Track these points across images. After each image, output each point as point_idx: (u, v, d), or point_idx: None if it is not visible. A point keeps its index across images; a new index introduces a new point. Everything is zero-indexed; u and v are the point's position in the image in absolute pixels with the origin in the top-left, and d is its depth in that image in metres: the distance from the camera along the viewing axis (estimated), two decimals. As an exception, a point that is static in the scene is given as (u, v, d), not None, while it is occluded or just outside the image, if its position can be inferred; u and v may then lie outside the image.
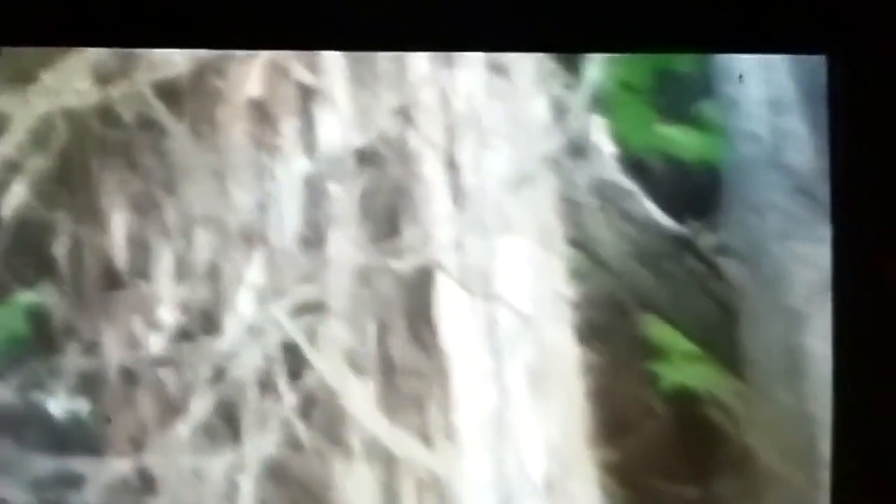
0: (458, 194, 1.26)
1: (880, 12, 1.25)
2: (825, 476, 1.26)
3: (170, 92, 1.23)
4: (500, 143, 1.27)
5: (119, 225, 1.21)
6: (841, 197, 1.26)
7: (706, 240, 1.27)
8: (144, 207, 1.22)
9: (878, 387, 1.25)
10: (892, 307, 1.24)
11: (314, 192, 1.24)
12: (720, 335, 1.27)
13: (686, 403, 1.26)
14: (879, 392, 1.25)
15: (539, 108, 1.27)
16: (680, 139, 1.28)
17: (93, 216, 1.21)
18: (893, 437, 1.24)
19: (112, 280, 1.21)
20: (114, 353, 1.20)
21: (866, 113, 1.25)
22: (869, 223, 1.25)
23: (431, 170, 1.26)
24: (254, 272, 1.23)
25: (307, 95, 1.24)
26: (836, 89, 1.26)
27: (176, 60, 1.23)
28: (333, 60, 1.25)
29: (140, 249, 1.22)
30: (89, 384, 1.20)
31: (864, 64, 1.25)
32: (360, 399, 1.22)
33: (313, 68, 1.25)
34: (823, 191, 1.27)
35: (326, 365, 1.22)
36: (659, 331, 1.26)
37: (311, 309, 1.23)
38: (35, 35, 1.18)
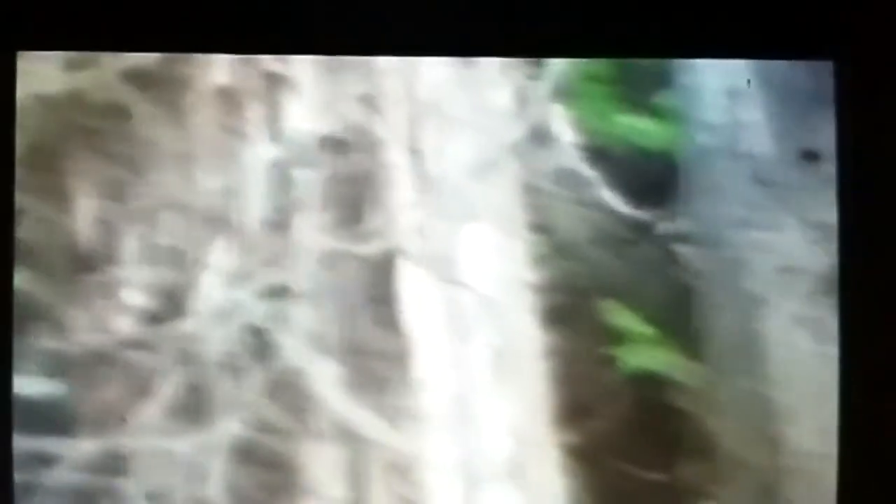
0: (422, 181, 1.28)
1: (886, 18, 1.27)
2: (788, 460, 1.29)
3: (138, 78, 1.24)
4: (464, 132, 1.29)
5: (87, 209, 1.22)
6: (848, 201, 1.29)
7: (665, 227, 1.30)
8: (112, 192, 1.23)
9: (884, 388, 1.28)
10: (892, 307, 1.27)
11: (280, 177, 1.26)
12: (680, 320, 1.30)
13: (647, 387, 1.29)
14: (886, 393, 1.27)
15: (502, 98, 1.29)
16: (640, 128, 1.30)
17: (61, 200, 1.22)
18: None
19: (80, 263, 1.22)
20: (83, 335, 1.21)
21: (873, 118, 1.28)
22: (876, 227, 1.28)
23: (396, 157, 1.28)
24: (220, 256, 1.24)
25: (274, 83, 1.26)
26: (842, 94, 1.29)
27: (144, 47, 1.24)
28: (300, 49, 1.27)
29: (107, 233, 1.23)
30: (59, 366, 1.21)
31: (871, 69, 1.28)
32: (326, 381, 1.24)
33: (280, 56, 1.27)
34: (780, 178, 1.30)
35: (293, 347, 1.24)
36: (619, 316, 1.29)
37: (277, 292, 1.25)
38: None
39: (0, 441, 1.18)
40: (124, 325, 1.22)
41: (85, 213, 1.23)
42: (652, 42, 1.28)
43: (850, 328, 1.29)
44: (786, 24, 1.28)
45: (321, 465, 1.24)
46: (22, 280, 1.21)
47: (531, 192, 1.29)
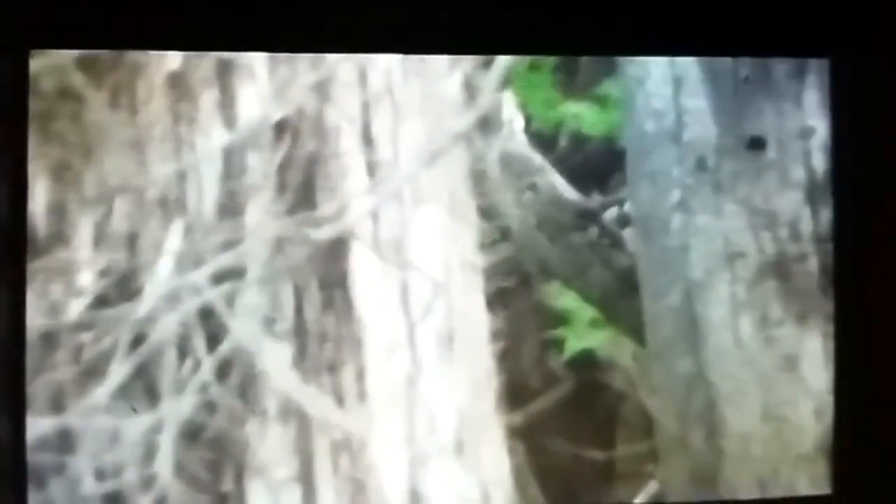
0: (373, 167, 1.30)
1: (882, 16, 1.30)
2: (726, 443, 1.32)
3: (90, 64, 1.26)
4: (414, 119, 1.31)
5: (39, 192, 1.24)
6: (844, 196, 1.32)
7: (610, 212, 1.33)
8: (64, 176, 1.25)
9: (878, 380, 1.30)
10: (892, 307, 1.30)
11: (233, 162, 1.28)
12: (623, 304, 1.33)
13: (589, 369, 1.32)
14: (879, 385, 1.30)
15: (452, 86, 1.32)
16: (586, 116, 1.33)
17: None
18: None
19: (32, 246, 1.24)
20: (34, 317, 1.23)
21: (869, 114, 1.31)
22: (872, 222, 1.31)
23: (348, 143, 1.30)
24: (173, 240, 1.26)
25: (226, 69, 1.28)
26: (839, 91, 1.32)
27: (97, 33, 1.26)
28: (252, 36, 1.28)
29: (60, 217, 1.25)
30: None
31: (867, 67, 1.31)
32: (275, 362, 1.26)
33: (232, 43, 1.29)
34: (721, 165, 1.33)
35: (243, 330, 1.26)
36: (563, 299, 1.32)
37: (229, 276, 1.27)
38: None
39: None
40: (75, 308, 1.24)
41: (37, 197, 1.24)
42: (646, 40, 1.30)
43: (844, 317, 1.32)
44: (782, 22, 1.31)
45: (269, 445, 1.26)
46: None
47: (480, 178, 1.31)
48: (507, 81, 1.32)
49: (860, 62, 1.31)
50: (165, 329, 1.25)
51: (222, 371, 1.26)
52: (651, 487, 1.32)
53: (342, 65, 1.30)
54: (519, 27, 1.28)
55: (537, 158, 1.32)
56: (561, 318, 1.31)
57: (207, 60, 1.28)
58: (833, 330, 1.32)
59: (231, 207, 1.27)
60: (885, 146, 1.31)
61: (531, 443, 1.30)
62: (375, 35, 1.27)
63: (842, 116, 1.32)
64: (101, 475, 1.24)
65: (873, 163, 1.31)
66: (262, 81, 1.29)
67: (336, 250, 1.29)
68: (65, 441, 1.24)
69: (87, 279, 1.25)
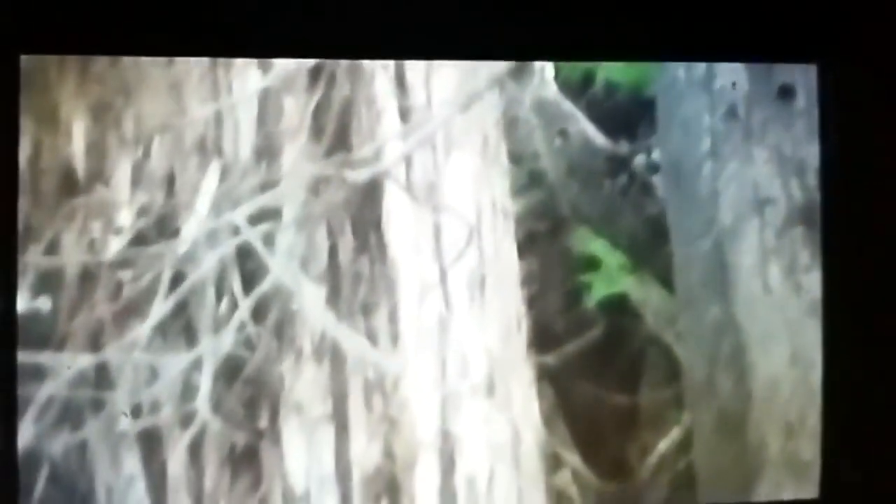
0: (407, 112, 1.32)
1: (869, 21, 1.31)
2: (754, 385, 1.34)
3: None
4: (448, 65, 1.33)
5: (79, 132, 1.26)
6: (832, 199, 1.34)
7: (639, 159, 1.34)
8: (103, 116, 1.27)
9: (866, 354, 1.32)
10: (881, 309, 1.31)
11: (269, 106, 1.30)
12: (651, 250, 1.34)
13: (618, 314, 1.33)
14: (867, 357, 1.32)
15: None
16: (616, 63, 1.34)
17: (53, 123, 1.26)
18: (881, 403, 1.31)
19: (72, 185, 1.26)
20: (73, 254, 1.25)
21: (856, 118, 1.32)
22: (861, 223, 1.32)
23: (381, 88, 1.31)
24: (210, 181, 1.28)
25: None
26: (826, 96, 1.33)
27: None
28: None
29: (99, 156, 1.27)
30: (50, 283, 1.25)
31: (854, 71, 1.32)
32: (310, 303, 1.28)
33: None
34: (751, 113, 1.34)
35: (280, 269, 1.28)
36: (593, 244, 1.33)
37: (266, 217, 1.29)
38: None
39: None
40: (115, 246, 1.26)
41: (77, 136, 1.26)
42: (640, 45, 1.31)
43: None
44: (770, 27, 1.32)
45: (304, 384, 1.28)
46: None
47: (511, 123, 1.33)
48: (539, 30, 1.33)
49: (847, 68, 1.32)
50: (203, 268, 1.27)
51: (259, 310, 1.27)
52: (678, 432, 1.33)
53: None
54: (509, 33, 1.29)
55: (568, 105, 1.33)
56: (590, 264, 1.33)
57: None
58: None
59: (267, 150, 1.29)
60: (874, 154, 1.32)
61: (560, 385, 1.32)
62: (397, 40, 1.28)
63: (830, 122, 1.33)
64: (137, 412, 1.25)
65: (862, 165, 1.32)
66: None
67: (370, 193, 1.30)
68: (103, 377, 1.25)
69: (126, 218, 1.26)
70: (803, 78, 1.35)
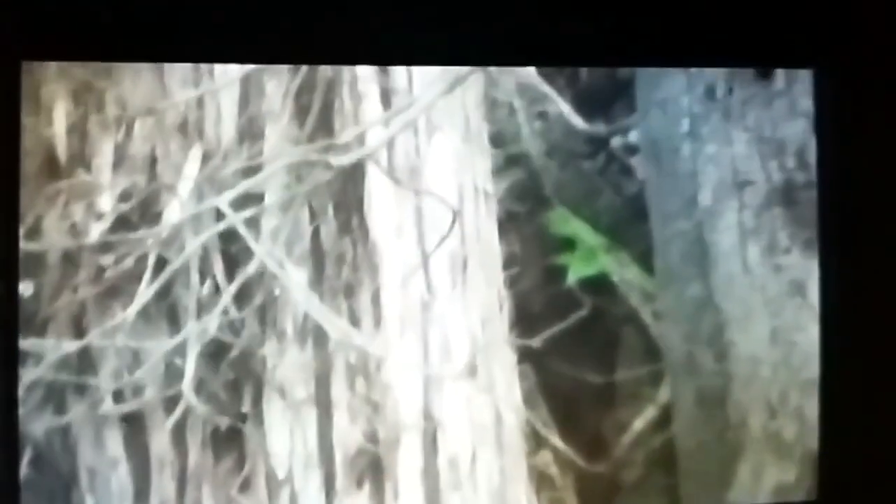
0: (389, 94, 1.32)
1: (865, 27, 1.32)
2: (735, 366, 1.34)
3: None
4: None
5: (60, 115, 1.26)
6: (828, 205, 1.34)
7: (618, 139, 1.35)
8: (85, 99, 1.27)
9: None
10: (881, 309, 1.32)
11: (251, 89, 1.30)
12: (631, 230, 1.35)
13: (600, 294, 1.34)
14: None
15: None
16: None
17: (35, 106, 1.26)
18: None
19: (53, 168, 1.26)
20: (55, 238, 1.25)
21: (852, 123, 1.33)
22: (856, 226, 1.33)
23: (364, 70, 1.32)
24: (192, 165, 1.28)
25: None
26: (822, 101, 1.34)
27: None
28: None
29: (80, 140, 1.26)
30: (31, 268, 1.25)
31: (850, 76, 1.33)
32: (294, 285, 1.29)
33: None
34: (728, 94, 1.35)
35: (264, 252, 1.28)
36: (573, 225, 1.34)
37: (249, 200, 1.29)
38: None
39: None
40: (96, 230, 1.26)
41: (60, 121, 1.26)
42: (632, 50, 1.32)
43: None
44: (766, 33, 1.32)
45: (286, 367, 1.29)
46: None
47: (492, 106, 1.33)
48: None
49: (843, 73, 1.33)
50: (184, 252, 1.27)
51: (242, 293, 1.28)
52: (658, 411, 1.34)
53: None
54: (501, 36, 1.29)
55: (547, 88, 1.34)
56: (569, 244, 1.34)
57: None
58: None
59: (249, 132, 1.29)
60: (870, 156, 1.33)
61: (542, 367, 1.33)
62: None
63: (825, 126, 1.34)
64: (119, 395, 1.25)
65: (858, 174, 1.33)
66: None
67: (352, 175, 1.31)
68: (86, 361, 1.25)
69: (107, 202, 1.26)
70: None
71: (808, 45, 1.32)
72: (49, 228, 1.25)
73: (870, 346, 1.33)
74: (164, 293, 1.27)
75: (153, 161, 1.28)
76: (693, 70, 1.36)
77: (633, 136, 1.34)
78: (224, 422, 1.27)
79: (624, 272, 1.34)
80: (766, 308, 1.36)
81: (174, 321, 1.27)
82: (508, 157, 1.33)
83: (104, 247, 1.26)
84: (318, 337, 1.29)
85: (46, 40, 1.22)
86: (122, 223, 1.27)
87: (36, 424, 1.23)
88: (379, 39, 1.27)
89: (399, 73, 1.32)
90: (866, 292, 1.33)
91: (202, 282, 1.27)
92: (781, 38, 1.32)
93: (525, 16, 1.29)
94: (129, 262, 1.26)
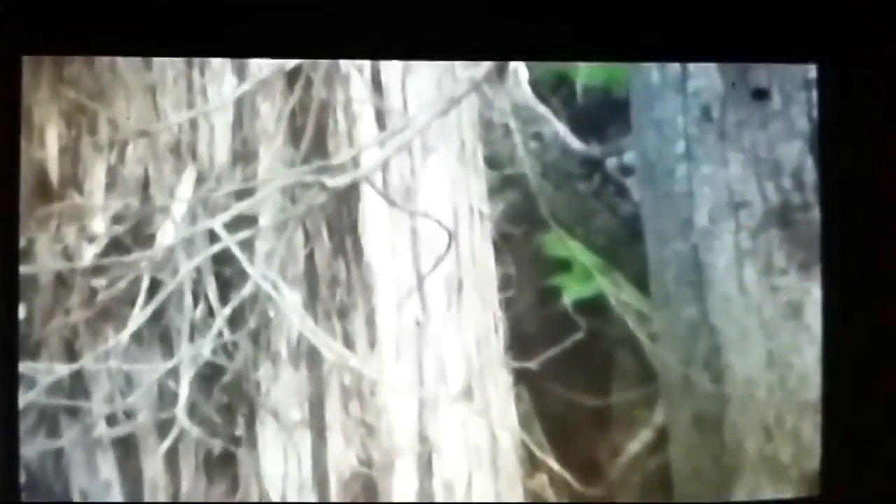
0: (384, 115, 1.32)
1: (869, 22, 1.31)
2: (731, 388, 1.34)
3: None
4: (425, 68, 1.32)
5: (52, 137, 1.25)
6: (831, 200, 1.33)
7: (613, 161, 1.34)
8: (78, 121, 1.26)
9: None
10: (881, 311, 1.31)
11: (245, 110, 1.29)
12: (627, 251, 1.34)
13: (595, 316, 1.33)
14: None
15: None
16: (591, 66, 1.35)
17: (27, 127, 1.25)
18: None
19: (45, 191, 1.25)
20: (48, 261, 1.24)
21: (856, 118, 1.32)
22: (860, 223, 1.32)
23: (358, 92, 1.31)
24: (185, 187, 1.28)
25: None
26: (825, 96, 1.33)
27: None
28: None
29: (73, 162, 1.26)
30: (24, 291, 1.24)
31: (853, 71, 1.31)
32: (289, 307, 1.28)
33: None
34: (726, 115, 1.35)
35: (258, 275, 1.28)
36: (568, 246, 1.33)
37: (243, 222, 1.28)
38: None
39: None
40: (89, 253, 1.25)
41: (50, 142, 1.26)
42: (637, 46, 1.31)
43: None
44: (769, 27, 1.32)
45: (281, 389, 1.28)
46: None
47: (487, 127, 1.33)
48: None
49: (847, 68, 1.32)
50: (178, 275, 1.27)
51: (236, 316, 1.27)
52: (654, 433, 1.34)
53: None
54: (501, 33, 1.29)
55: (542, 108, 1.33)
56: (565, 265, 1.33)
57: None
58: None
59: (243, 154, 1.28)
60: (873, 152, 1.32)
61: (538, 389, 1.32)
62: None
63: (829, 121, 1.33)
64: (113, 420, 1.25)
65: (861, 168, 1.32)
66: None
67: (347, 197, 1.30)
68: (79, 384, 1.25)
69: (100, 225, 1.26)
70: (778, 80, 1.35)
71: (811, 40, 1.31)
72: (42, 251, 1.24)
73: (871, 364, 1.32)
74: (157, 316, 1.26)
75: (146, 183, 1.27)
76: (689, 90, 1.35)
77: (629, 157, 1.34)
78: (218, 445, 1.26)
79: (619, 294, 1.33)
80: (762, 330, 1.35)
81: (167, 344, 1.26)
82: (504, 179, 1.33)
83: (97, 270, 1.25)
84: (313, 359, 1.29)
85: (46, 34, 1.21)
86: (115, 246, 1.26)
87: (29, 448, 1.22)
88: (370, 33, 1.26)
89: (394, 94, 1.31)
90: (868, 289, 1.32)
91: (196, 304, 1.27)
92: (784, 34, 1.31)
93: (517, 11, 1.27)
94: (122, 285, 1.26)
